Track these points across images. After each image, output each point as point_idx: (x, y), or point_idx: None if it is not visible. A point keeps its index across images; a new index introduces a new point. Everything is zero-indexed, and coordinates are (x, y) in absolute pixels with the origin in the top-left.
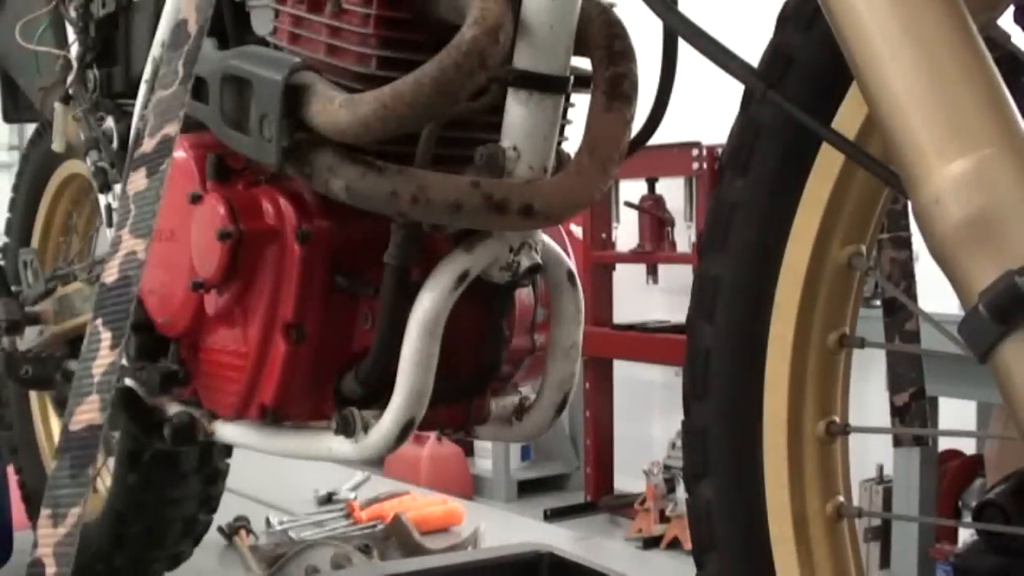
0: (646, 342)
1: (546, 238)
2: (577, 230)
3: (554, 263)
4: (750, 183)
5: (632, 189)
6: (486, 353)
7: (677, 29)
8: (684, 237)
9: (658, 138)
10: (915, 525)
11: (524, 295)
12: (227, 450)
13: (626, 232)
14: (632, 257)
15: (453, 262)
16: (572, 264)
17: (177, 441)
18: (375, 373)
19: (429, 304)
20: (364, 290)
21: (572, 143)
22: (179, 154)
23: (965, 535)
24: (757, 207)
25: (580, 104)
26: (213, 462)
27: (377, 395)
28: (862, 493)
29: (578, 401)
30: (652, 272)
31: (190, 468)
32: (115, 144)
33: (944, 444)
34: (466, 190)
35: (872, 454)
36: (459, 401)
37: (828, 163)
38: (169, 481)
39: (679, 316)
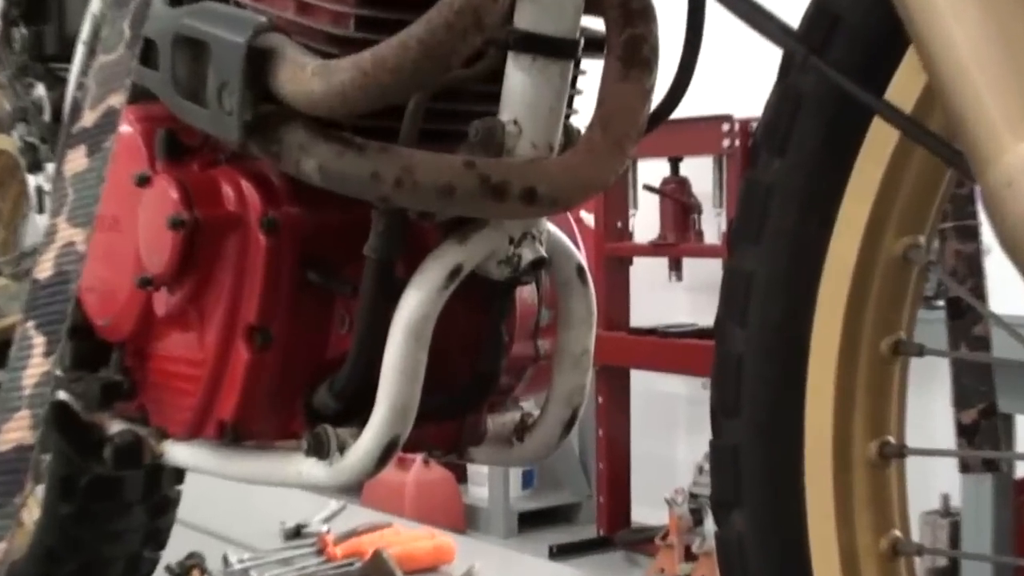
0: (668, 349)
1: (552, 228)
2: (588, 218)
3: (561, 257)
4: (789, 163)
5: (652, 170)
6: (482, 361)
7: None
8: (712, 226)
9: (682, 111)
10: (987, 566)
11: (526, 294)
12: (178, 475)
13: (645, 220)
14: (652, 249)
15: (444, 255)
16: (583, 258)
17: (119, 464)
18: (352, 384)
19: (416, 304)
20: (340, 288)
21: (582, 117)
22: (124, 129)
23: None
24: (797, 191)
25: (592, 71)
26: (162, 489)
27: (355, 410)
28: (923, 527)
29: (589, 418)
30: (675, 267)
31: (134, 496)
32: (47, 116)
33: (1021, 470)
34: (459, 171)
35: (935, 481)
36: (451, 418)
37: (880, 141)
38: (109, 512)
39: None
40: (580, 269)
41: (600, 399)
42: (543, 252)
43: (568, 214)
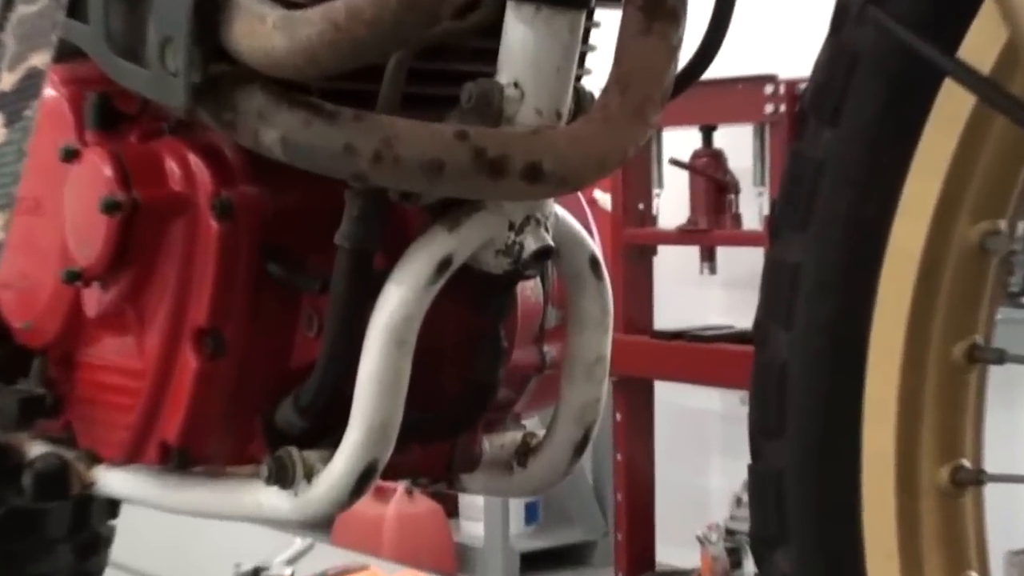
0: (700, 356)
1: (561, 211)
2: (604, 199)
3: (572, 246)
4: (843, 134)
5: (681, 142)
6: (477, 371)
7: None
8: (752, 208)
9: (716, 70)
10: None
11: (529, 291)
12: (112, 508)
13: (672, 202)
14: (680, 237)
15: (431, 245)
16: (597, 247)
17: (41, 495)
18: (322, 398)
19: (398, 303)
20: (307, 283)
21: (597, 78)
22: (49, 93)
23: None
24: (852, 167)
25: (608, 24)
26: (92, 524)
27: (325, 429)
28: (1008, 570)
29: (605, 439)
30: (708, 257)
31: (59, 533)
32: None
33: None
34: (449, 143)
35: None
36: (439, 438)
37: (952, 107)
38: (29, 552)
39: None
40: (594, 260)
41: (618, 416)
42: (549, 240)
43: (579, 194)
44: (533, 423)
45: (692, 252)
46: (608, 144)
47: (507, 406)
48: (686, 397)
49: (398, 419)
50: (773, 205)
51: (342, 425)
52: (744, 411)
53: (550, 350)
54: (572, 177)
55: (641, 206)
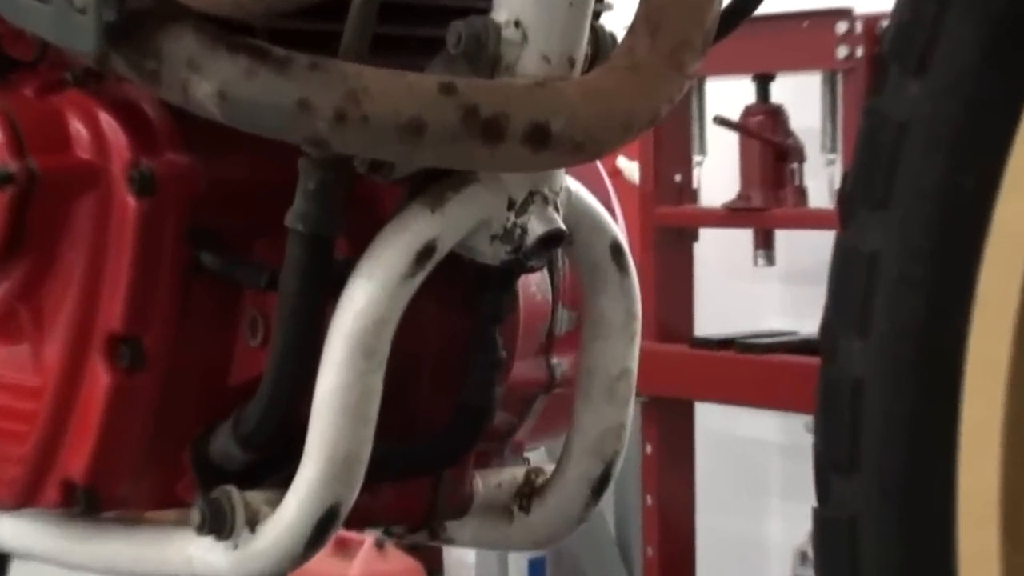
0: (753, 371)
1: (575, 185)
2: (630, 169)
3: (589, 229)
4: (933, 87)
5: (729, 95)
6: (467, 390)
7: None
8: (821, 180)
9: (774, 3)
10: None
11: (535, 287)
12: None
13: (718, 173)
14: (729, 217)
15: (408, 228)
16: (621, 231)
17: None
18: (269, 424)
19: (366, 303)
20: (251, 278)
21: (619, 18)
22: None
23: None
24: (945, 129)
25: None
26: None
27: (273, 464)
28: None
29: (632, 477)
30: (764, 243)
31: None
32: None
33: None
34: (431, 98)
35: None
36: (419, 475)
37: None
38: None
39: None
40: (616, 248)
41: (648, 448)
42: (560, 222)
43: (599, 164)
44: (539, 456)
45: (744, 237)
46: (635, 99)
47: (506, 434)
48: (736, 423)
49: (366, 450)
50: (845, 177)
51: (295, 458)
52: (809, 441)
53: (561, 362)
54: (589, 142)
55: (678, 178)
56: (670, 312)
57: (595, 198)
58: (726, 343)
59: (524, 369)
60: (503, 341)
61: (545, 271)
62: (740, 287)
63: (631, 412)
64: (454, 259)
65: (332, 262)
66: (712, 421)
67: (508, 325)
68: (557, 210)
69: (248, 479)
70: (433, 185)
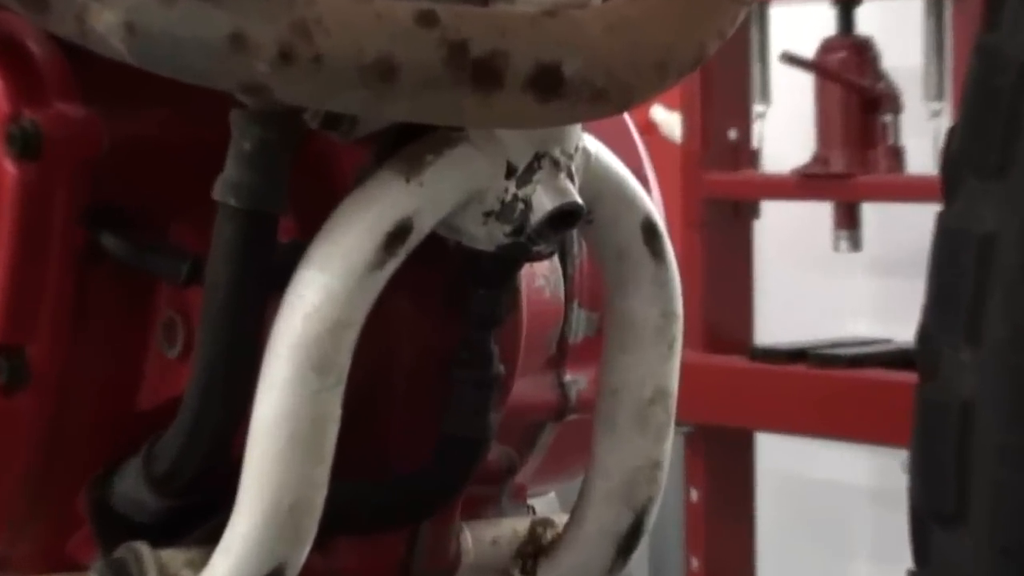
0: (832, 391)
1: (595, 146)
2: (669, 123)
3: (614, 204)
4: None
5: (801, 26)
6: (454, 416)
7: None
8: (923, 138)
9: None
10: None
11: (543, 281)
12: None
13: (786, 128)
14: (801, 186)
15: (375, 204)
16: (656, 207)
17: None
18: (190, 462)
19: (319, 301)
20: (167, 269)
21: None
22: None
23: None
24: None
25: None
26: None
27: (195, 513)
28: None
29: (670, 531)
30: (847, 222)
31: None
32: None
33: None
34: (406, 32)
35: None
36: (389, 528)
37: None
38: None
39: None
40: (650, 228)
41: (694, 494)
42: (575, 194)
43: (627, 117)
44: (547, 502)
45: (821, 213)
46: (673, 32)
47: (504, 475)
48: (810, 461)
49: (319, 496)
50: (950, 134)
51: (225, 505)
52: (904, 482)
53: (576, 380)
54: (613, 88)
55: (733, 134)
56: (722, 313)
57: (622, 162)
58: (797, 355)
59: (528, 388)
60: (500, 352)
61: (556, 259)
62: (815, 280)
63: (669, 446)
64: (436, 244)
65: (275, 247)
66: (778, 458)
67: (507, 330)
68: (571, 178)
69: (164, 533)
70: (408, 146)
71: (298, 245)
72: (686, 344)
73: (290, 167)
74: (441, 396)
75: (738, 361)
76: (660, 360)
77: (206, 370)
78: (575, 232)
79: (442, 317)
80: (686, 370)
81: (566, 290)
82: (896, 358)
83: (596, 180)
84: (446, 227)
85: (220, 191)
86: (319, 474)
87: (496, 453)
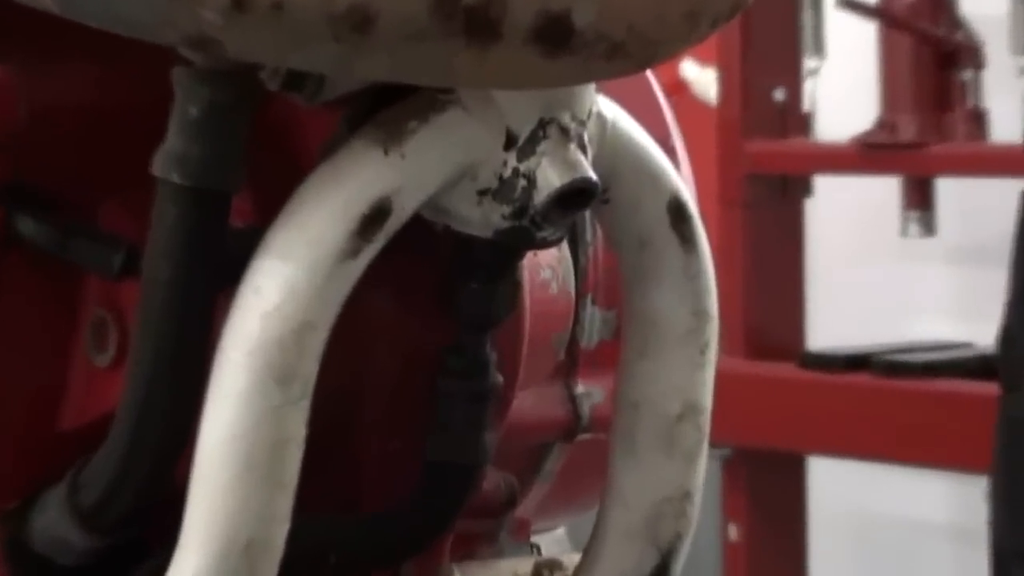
0: (901, 405)
1: (612, 111)
2: (702, 81)
3: (634, 180)
4: None
5: None
6: (441, 437)
7: None
8: (1012, 100)
9: None
10: None
11: (548, 273)
12: None
13: (844, 88)
14: (862, 158)
15: (348, 180)
16: (686, 184)
17: None
18: (124, 492)
19: (280, 298)
20: (97, 258)
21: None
22: None
23: None
24: None
25: None
26: None
27: (131, 554)
28: None
29: (704, 573)
30: (919, 201)
31: None
32: None
33: None
34: None
35: None
36: (365, 570)
37: None
38: None
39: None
40: (678, 210)
41: (733, 531)
42: (588, 169)
43: (651, 76)
44: (556, 540)
45: (887, 190)
46: None
47: (502, 507)
48: (873, 491)
49: (280, 532)
50: None
51: (166, 544)
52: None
53: (590, 392)
54: (633, 41)
55: (779, 95)
56: (767, 311)
57: (645, 130)
58: (858, 362)
59: (531, 403)
60: (497, 359)
61: (565, 247)
62: (880, 271)
63: (702, 472)
64: (421, 229)
65: (227, 233)
66: (835, 488)
67: (506, 333)
68: (583, 150)
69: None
70: (387, 111)
71: (255, 231)
72: (723, 349)
73: (245, 136)
74: (427, 413)
75: (787, 369)
76: (690, 368)
77: (144, 381)
78: (588, 214)
79: (428, 317)
80: (723, 380)
81: (577, 284)
82: (978, 365)
83: (613, 152)
84: (433, 208)
85: (161, 165)
86: (280, 506)
87: (493, 481)
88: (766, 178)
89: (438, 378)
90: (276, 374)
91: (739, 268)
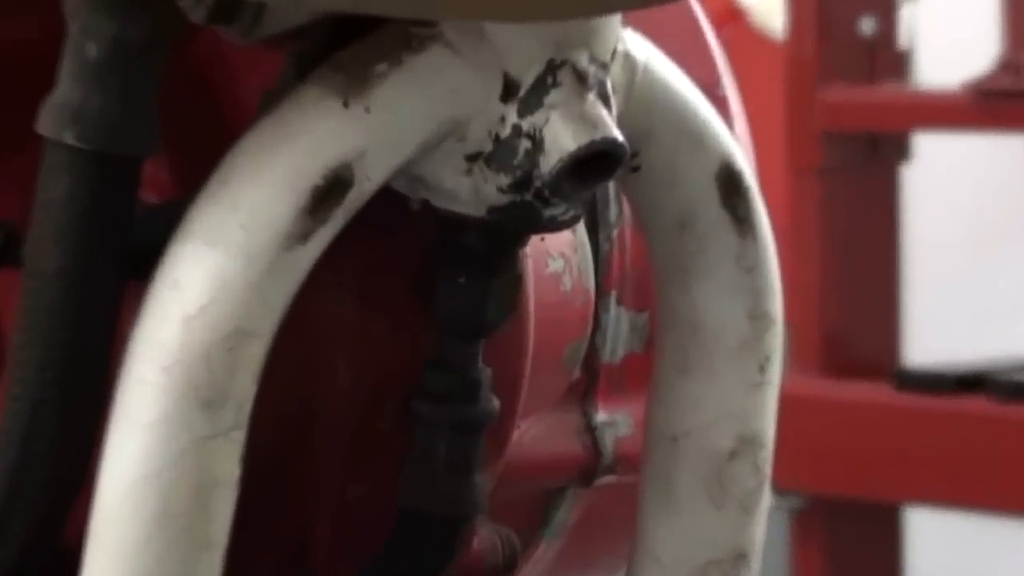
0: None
1: (643, 50)
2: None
3: (672, 142)
4: None
5: None
6: (416, 479)
7: None
8: None
9: None
10: None
11: (558, 262)
12: None
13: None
14: (975, 110)
15: (296, 140)
16: (739, 146)
17: None
18: (4, 545)
19: (209, 296)
20: None
21: None
22: None
23: None
24: None
25: None
26: None
27: None
28: None
29: None
30: None
31: None
32: None
33: None
34: None
35: None
36: None
37: None
38: None
39: None
40: (729, 180)
41: None
42: (612, 127)
43: (694, 2)
44: None
45: (1008, 153)
46: None
47: (499, 571)
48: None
49: None
50: None
51: None
52: None
53: (614, 420)
54: None
55: (867, 26)
56: (852, 316)
57: (686, 75)
58: (970, 381)
59: (537, 435)
60: (492, 376)
61: (581, 230)
62: (996, 262)
63: (762, 526)
64: (391, 206)
65: (137, 210)
66: (941, 548)
67: (503, 343)
68: (606, 102)
69: None
70: (347, 51)
71: (174, 208)
72: (794, 364)
73: (160, 84)
74: (400, 447)
75: (877, 391)
76: (746, 389)
77: (27, 404)
78: (612, 187)
79: (401, 322)
80: (790, 405)
81: (597, 279)
82: None
83: (645, 104)
84: (408, 179)
85: (50, 122)
86: (205, 568)
87: (486, 537)
88: (850, 137)
89: (413, 402)
90: (201, 396)
91: (814, 257)
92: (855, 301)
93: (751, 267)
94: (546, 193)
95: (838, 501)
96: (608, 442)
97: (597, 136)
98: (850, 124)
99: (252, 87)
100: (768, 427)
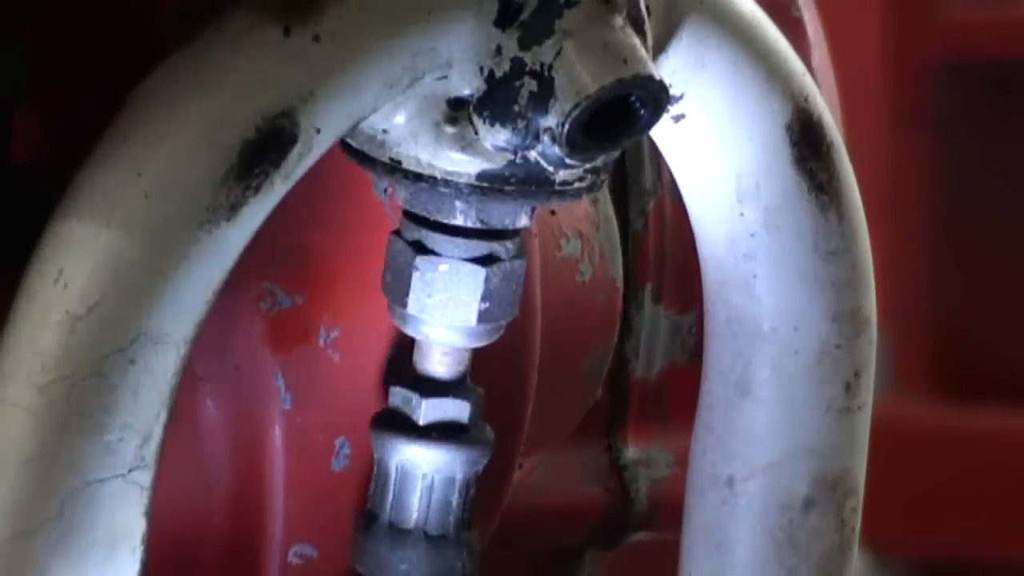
0: None
1: None
2: None
3: (729, 84)
4: None
5: None
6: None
7: None
8: None
9: None
10: None
11: (569, 246)
12: None
13: None
14: None
15: (221, 79)
16: (819, 90)
17: None
18: None
19: (96, 288)
20: None
21: None
22: None
23: None
24: None
25: None
26: None
27: None
28: None
29: None
30: None
31: None
32: None
33: None
34: None
35: None
36: None
37: None
38: None
39: None
40: (806, 132)
41: None
42: (648, 63)
43: None
44: None
45: None
46: None
47: None
48: None
49: None
50: None
51: None
52: None
53: (648, 457)
54: None
55: None
56: (979, 318)
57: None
58: None
59: (549, 476)
60: (487, 397)
61: (606, 202)
62: None
63: None
64: (350, 168)
65: (6, 175)
66: None
67: (501, 352)
68: (639, 28)
69: None
70: None
71: (53, 172)
72: (896, 381)
73: (35, 10)
74: (358, 487)
75: (1017, 417)
76: (828, 416)
77: None
78: (647, 143)
79: (362, 321)
80: (894, 437)
81: (627, 267)
82: None
83: (693, 30)
84: (371, 132)
85: None
86: None
87: None
88: (976, 73)
89: (370, 429)
90: (93, 425)
91: (925, 238)
92: (981, 297)
93: (834, 252)
94: (557, 153)
95: (959, 568)
96: (641, 486)
97: (627, 73)
98: (975, 57)
99: (162, 9)
100: (857, 466)
